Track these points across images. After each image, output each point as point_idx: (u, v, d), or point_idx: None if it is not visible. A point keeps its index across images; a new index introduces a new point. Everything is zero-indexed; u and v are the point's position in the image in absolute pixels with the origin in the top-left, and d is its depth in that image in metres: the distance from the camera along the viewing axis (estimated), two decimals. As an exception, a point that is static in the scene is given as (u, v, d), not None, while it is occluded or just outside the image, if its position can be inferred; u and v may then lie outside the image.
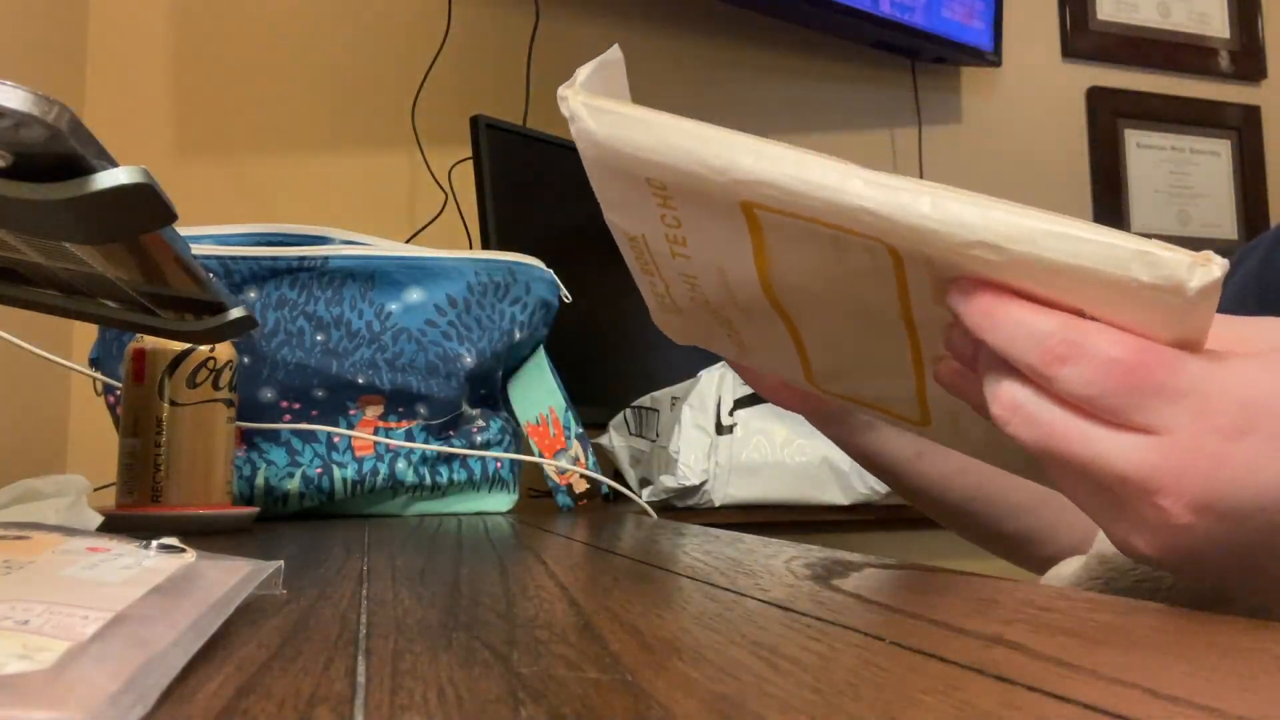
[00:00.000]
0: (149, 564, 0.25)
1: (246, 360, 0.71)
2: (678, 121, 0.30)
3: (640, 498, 0.91)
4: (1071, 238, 0.27)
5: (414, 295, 0.75)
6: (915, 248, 0.29)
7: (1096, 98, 1.80)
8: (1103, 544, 0.45)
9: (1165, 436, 0.28)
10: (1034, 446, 0.30)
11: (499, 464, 0.79)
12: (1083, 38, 1.81)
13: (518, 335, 0.79)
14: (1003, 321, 0.29)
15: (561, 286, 0.83)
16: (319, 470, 0.72)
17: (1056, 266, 0.27)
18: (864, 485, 0.98)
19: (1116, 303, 0.27)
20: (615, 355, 1.20)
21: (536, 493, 1.12)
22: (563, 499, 0.82)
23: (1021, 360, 0.29)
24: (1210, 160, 1.86)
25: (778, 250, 0.32)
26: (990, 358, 0.31)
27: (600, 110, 0.31)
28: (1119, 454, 0.28)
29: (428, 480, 0.75)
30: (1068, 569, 0.47)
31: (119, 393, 0.64)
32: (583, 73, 0.32)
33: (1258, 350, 0.29)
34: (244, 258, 0.72)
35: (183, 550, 0.27)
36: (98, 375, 0.72)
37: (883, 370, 0.37)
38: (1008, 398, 0.30)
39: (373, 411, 0.74)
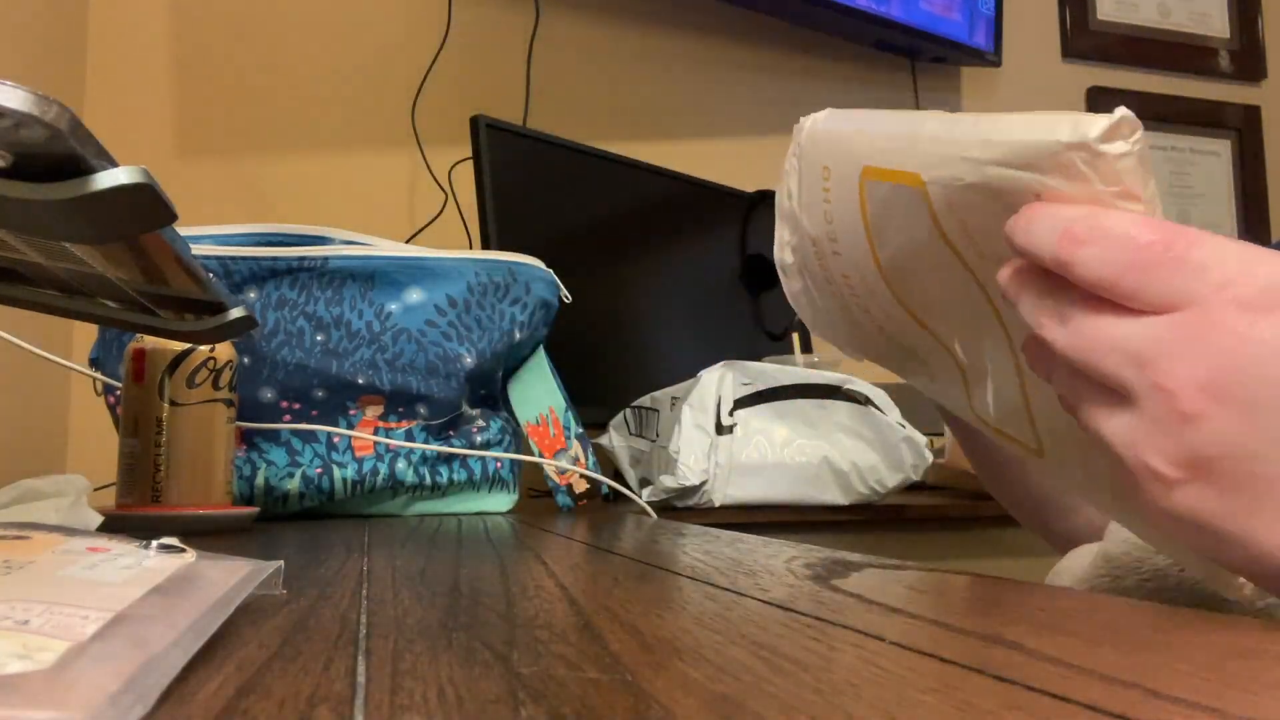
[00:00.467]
0: (149, 564, 0.25)
1: (246, 360, 0.71)
2: (875, 111, 0.36)
3: (640, 498, 0.91)
4: (1029, 116, 0.29)
5: (414, 295, 0.75)
6: (948, 172, 0.32)
7: (1096, 98, 1.80)
8: (1110, 544, 0.45)
9: (1182, 310, 0.26)
10: (1061, 348, 0.29)
11: (499, 464, 0.79)
12: (1083, 38, 1.81)
13: (518, 335, 0.79)
14: (1027, 218, 0.29)
15: (561, 286, 0.83)
16: (319, 470, 0.72)
17: (1023, 145, 0.29)
18: (864, 485, 0.98)
19: (1062, 179, 0.29)
20: (615, 355, 1.20)
21: (536, 493, 1.12)
22: (563, 499, 0.82)
23: (1044, 251, 0.28)
24: (1210, 160, 1.86)
25: (880, 224, 0.37)
26: (1025, 273, 0.30)
27: (832, 113, 0.38)
28: (1131, 334, 0.27)
29: (428, 480, 0.75)
30: (1074, 565, 0.47)
31: (119, 393, 0.64)
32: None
33: None
34: (244, 258, 0.72)
35: (183, 550, 0.27)
36: (98, 375, 0.72)
37: (1000, 372, 0.38)
38: (1032, 294, 0.30)
39: (373, 411, 0.74)
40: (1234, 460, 0.26)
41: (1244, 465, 0.26)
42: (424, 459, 0.75)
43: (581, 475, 0.82)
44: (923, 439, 1.00)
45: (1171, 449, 0.27)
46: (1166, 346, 0.26)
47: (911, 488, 1.12)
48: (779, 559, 0.42)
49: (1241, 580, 0.31)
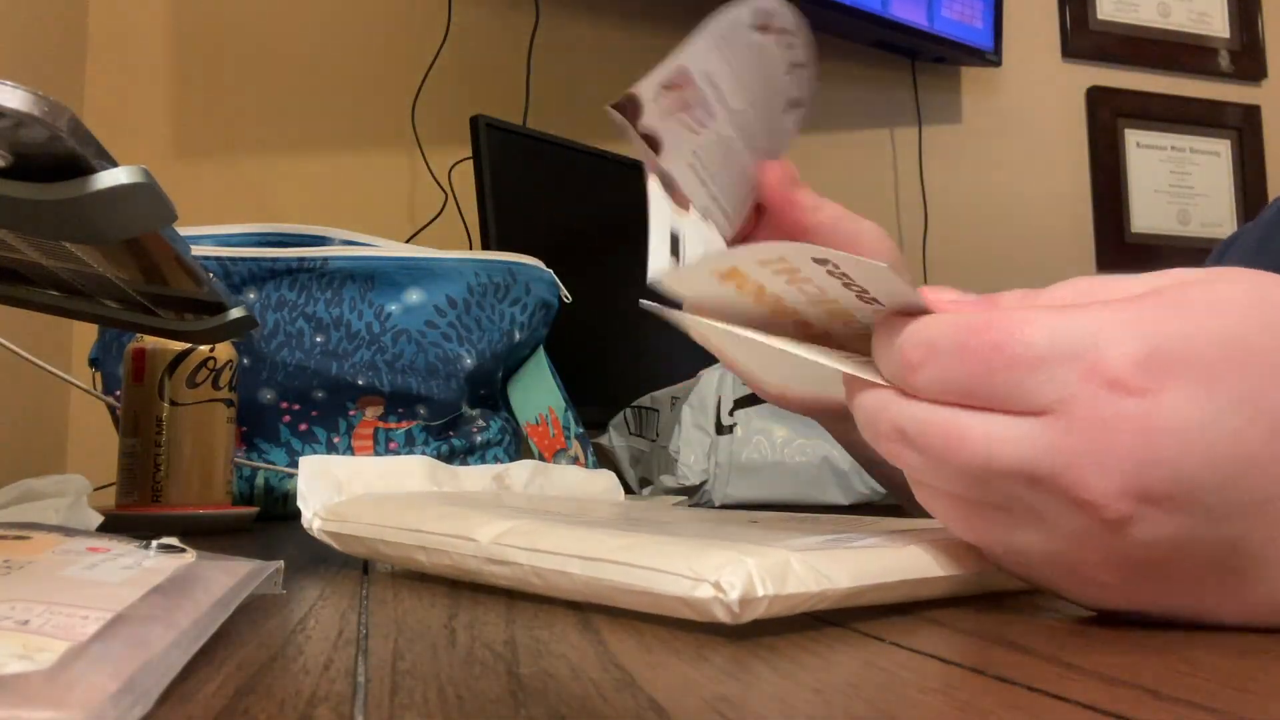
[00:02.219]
0: (149, 564, 0.25)
1: (246, 361, 0.71)
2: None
3: (641, 498, 0.91)
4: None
5: (414, 296, 0.75)
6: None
7: (1096, 98, 1.79)
8: None
9: (1055, 412, 0.22)
10: (907, 460, 0.25)
11: (498, 464, 0.79)
12: (1083, 38, 1.81)
13: (517, 336, 0.79)
14: (882, 340, 0.26)
15: (561, 286, 0.83)
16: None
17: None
18: (864, 485, 0.98)
19: None
20: (615, 355, 1.20)
21: (536, 493, 1.12)
22: (563, 499, 0.82)
23: (894, 380, 0.26)
24: (1210, 160, 1.86)
25: None
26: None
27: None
28: (1016, 441, 0.23)
29: (428, 480, 0.75)
30: None
31: (119, 393, 0.64)
32: None
33: (1129, 294, 0.24)
34: (243, 259, 0.72)
35: (183, 550, 0.27)
36: (95, 391, 0.72)
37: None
38: (870, 405, 0.26)
39: (372, 412, 0.74)
40: (1182, 558, 0.23)
41: (1196, 557, 0.23)
42: (424, 459, 0.75)
43: (581, 475, 0.82)
44: (923, 439, 1.00)
45: (1106, 558, 0.23)
46: (1063, 456, 0.22)
47: (911, 488, 1.12)
48: (779, 559, 0.42)
49: None
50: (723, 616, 0.23)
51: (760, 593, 0.23)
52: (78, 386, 0.70)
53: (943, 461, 0.24)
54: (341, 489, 0.40)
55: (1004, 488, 0.24)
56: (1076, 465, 0.22)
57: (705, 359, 1.02)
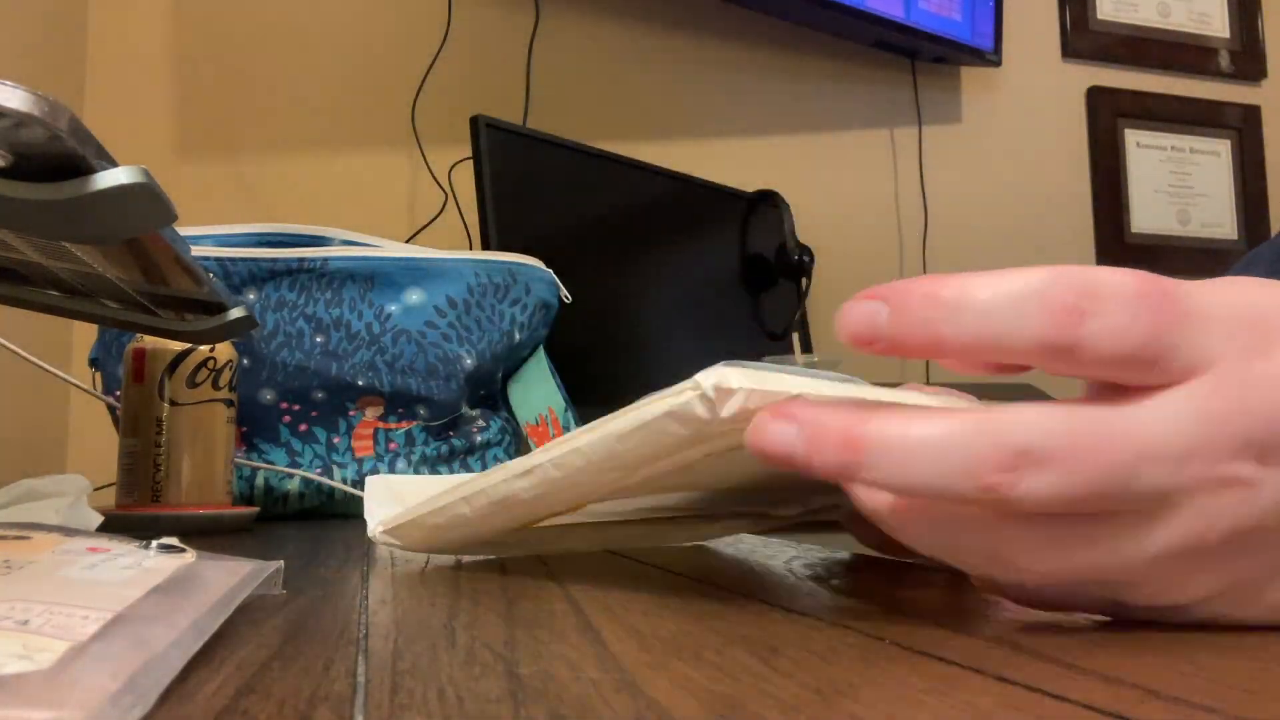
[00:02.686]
0: (149, 564, 0.25)
1: (246, 362, 0.71)
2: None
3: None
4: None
5: (414, 296, 0.75)
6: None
7: (1096, 98, 1.79)
8: None
9: (1202, 375, 0.22)
10: (1067, 489, 0.22)
11: (499, 464, 0.80)
12: (1083, 38, 1.81)
13: (518, 336, 0.79)
14: (953, 306, 0.23)
15: (561, 287, 0.83)
16: (319, 471, 0.72)
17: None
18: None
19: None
20: (615, 355, 1.20)
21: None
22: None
23: (1027, 339, 0.22)
24: (1210, 160, 1.86)
25: None
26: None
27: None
28: (1166, 428, 0.22)
29: (428, 480, 0.75)
30: None
31: (119, 393, 0.64)
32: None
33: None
34: (243, 259, 0.72)
35: (183, 550, 0.27)
36: (95, 391, 0.72)
37: None
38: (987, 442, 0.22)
39: (372, 412, 0.74)
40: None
41: None
42: (424, 459, 0.75)
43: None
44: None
45: (1239, 524, 0.23)
46: (1213, 427, 0.22)
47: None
48: (779, 559, 0.42)
49: None
50: (702, 411, 0.24)
51: (736, 385, 0.24)
52: (78, 386, 0.70)
53: (1099, 458, 0.22)
54: (403, 502, 0.42)
55: (1151, 477, 0.22)
56: (1218, 437, 0.22)
57: (704, 359, 1.02)
